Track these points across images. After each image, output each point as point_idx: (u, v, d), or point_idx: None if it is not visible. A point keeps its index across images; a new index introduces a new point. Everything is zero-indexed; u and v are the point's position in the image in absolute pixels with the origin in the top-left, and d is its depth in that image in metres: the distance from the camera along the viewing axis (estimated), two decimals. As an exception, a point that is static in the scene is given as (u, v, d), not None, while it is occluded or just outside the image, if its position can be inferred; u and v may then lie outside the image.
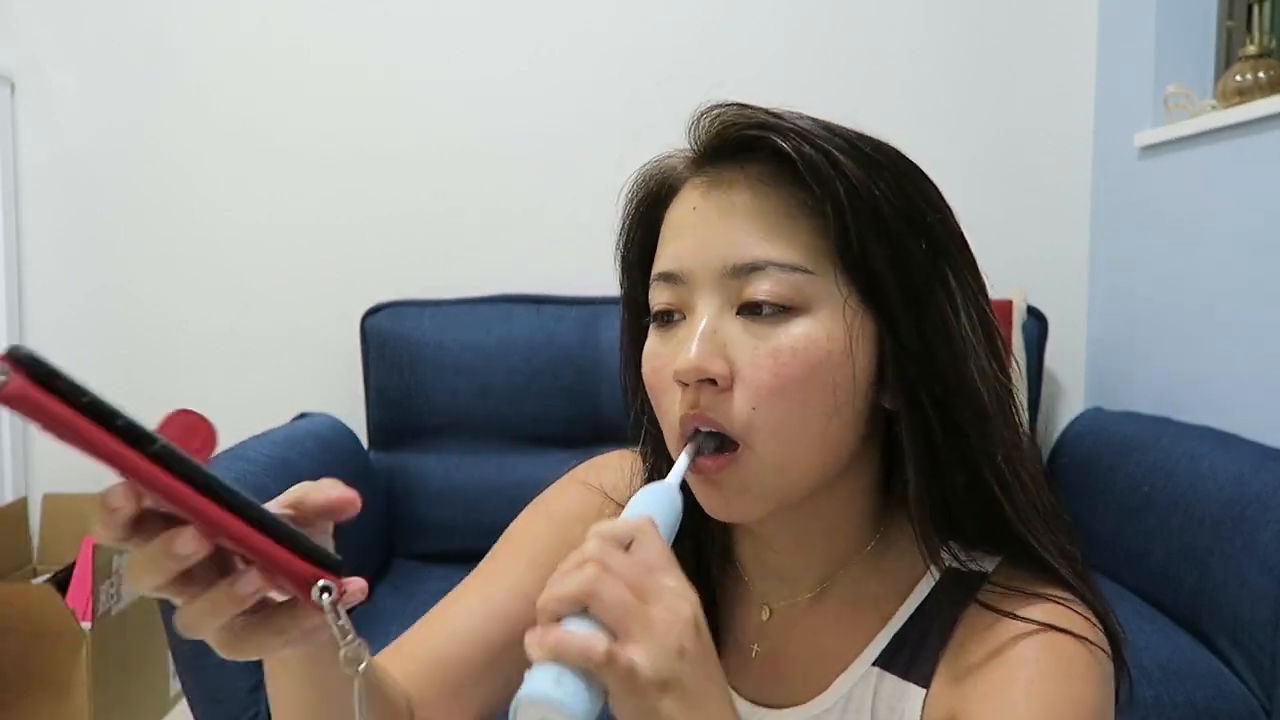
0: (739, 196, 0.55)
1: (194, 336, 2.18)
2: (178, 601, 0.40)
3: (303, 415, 1.89)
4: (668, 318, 0.57)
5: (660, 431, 0.60)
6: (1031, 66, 2.17)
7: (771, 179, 0.55)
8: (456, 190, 2.17)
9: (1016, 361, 1.92)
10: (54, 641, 1.73)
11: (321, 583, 0.40)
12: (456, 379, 1.96)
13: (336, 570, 0.41)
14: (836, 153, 0.53)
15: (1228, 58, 1.94)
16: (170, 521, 0.38)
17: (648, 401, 0.61)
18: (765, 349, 0.53)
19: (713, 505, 0.56)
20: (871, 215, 0.53)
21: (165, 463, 0.36)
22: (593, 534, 0.45)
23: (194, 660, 1.29)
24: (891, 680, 0.59)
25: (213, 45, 2.15)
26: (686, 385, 0.54)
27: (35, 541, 2.13)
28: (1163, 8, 1.94)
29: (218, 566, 0.40)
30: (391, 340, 1.99)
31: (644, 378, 0.59)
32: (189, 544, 0.37)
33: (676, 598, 0.43)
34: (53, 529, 2.11)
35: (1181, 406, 1.81)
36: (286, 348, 2.18)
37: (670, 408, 0.56)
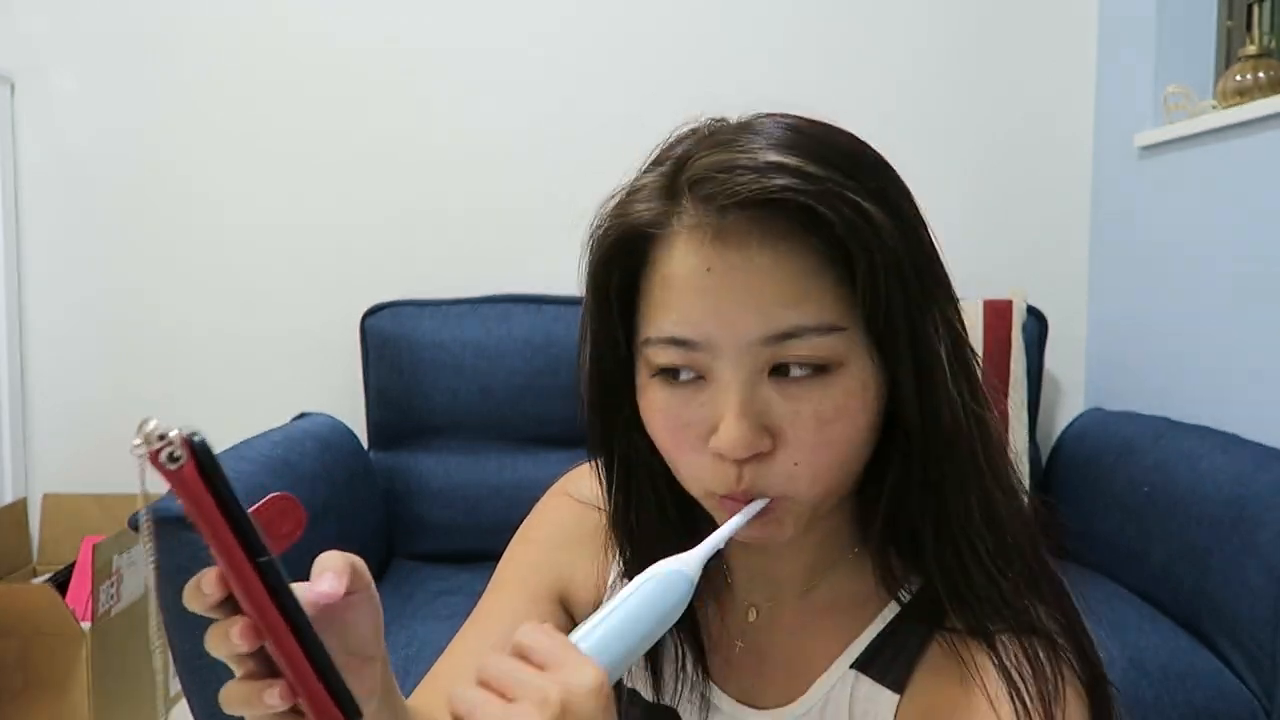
0: (759, 258, 0.51)
1: (194, 336, 2.18)
2: (236, 671, 0.46)
3: (303, 415, 1.89)
4: (676, 373, 0.55)
5: (645, 466, 0.61)
6: (1031, 67, 2.17)
7: (787, 234, 0.51)
8: (456, 190, 2.17)
9: (1014, 372, 1.91)
10: (54, 641, 1.73)
11: None
12: (456, 379, 1.96)
13: (354, 718, 0.45)
14: (870, 207, 0.51)
15: (1228, 58, 1.94)
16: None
17: (627, 435, 0.61)
18: (808, 413, 0.52)
19: (748, 536, 0.56)
20: (895, 269, 0.52)
21: (263, 574, 0.42)
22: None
23: (194, 660, 1.28)
24: (867, 683, 0.60)
25: (213, 45, 2.15)
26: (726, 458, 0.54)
27: (35, 541, 2.13)
28: (1163, 8, 1.94)
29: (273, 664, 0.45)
30: (391, 340, 1.99)
31: (654, 431, 0.57)
32: (237, 635, 0.43)
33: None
34: (53, 529, 2.12)
35: (1181, 406, 1.81)
36: (286, 348, 2.18)
37: (698, 471, 0.56)
